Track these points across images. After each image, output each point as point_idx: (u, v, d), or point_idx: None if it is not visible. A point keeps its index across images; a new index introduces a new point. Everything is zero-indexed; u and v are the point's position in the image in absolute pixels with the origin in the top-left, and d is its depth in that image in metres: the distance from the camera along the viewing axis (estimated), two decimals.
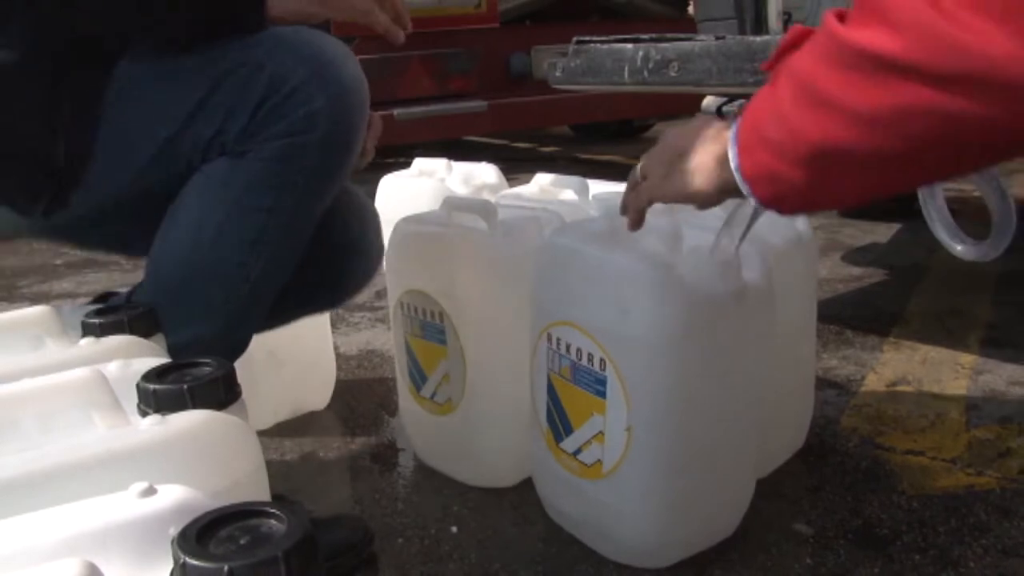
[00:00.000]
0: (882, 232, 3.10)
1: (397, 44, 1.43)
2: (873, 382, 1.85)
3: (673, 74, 1.93)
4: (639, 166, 1.05)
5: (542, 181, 1.77)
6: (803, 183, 0.79)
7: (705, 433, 1.20)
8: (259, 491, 0.74)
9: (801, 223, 1.45)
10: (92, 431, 0.74)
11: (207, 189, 1.21)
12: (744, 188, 0.85)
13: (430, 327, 1.48)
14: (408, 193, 2.05)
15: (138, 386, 0.79)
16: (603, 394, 1.19)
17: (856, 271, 2.66)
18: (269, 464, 0.84)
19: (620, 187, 1.16)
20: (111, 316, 1.01)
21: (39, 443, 0.72)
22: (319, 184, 1.23)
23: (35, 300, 2.83)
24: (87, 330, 1.00)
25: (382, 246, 1.46)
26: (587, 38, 2.17)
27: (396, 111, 4.21)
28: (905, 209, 3.14)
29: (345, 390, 1.94)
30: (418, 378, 1.55)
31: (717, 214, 1.06)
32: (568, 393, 1.26)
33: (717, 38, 1.91)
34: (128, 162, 1.20)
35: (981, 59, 0.63)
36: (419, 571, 1.30)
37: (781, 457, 1.51)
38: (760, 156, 0.81)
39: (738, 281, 1.17)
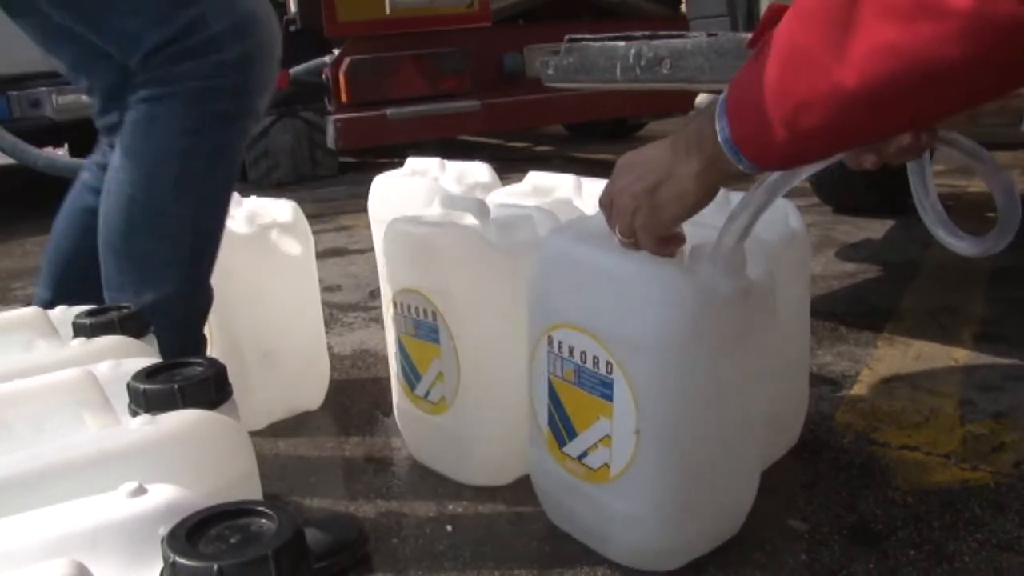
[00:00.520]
0: (876, 228, 3.11)
1: None
2: (867, 378, 1.85)
3: (665, 71, 1.93)
4: (616, 199, 1.07)
5: (535, 180, 1.77)
6: (786, 139, 0.83)
7: (714, 433, 1.19)
8: (251, 490, 0.74)
9: (795, 220, 1.45)
10: (83, 431, 0.74)
11: (131, 148, 1.31)
12: (731, 152, 0.89)
13: (424, 326, 1.48)
14: (401, 192, 2.04)
15: (128, 386, 0.78)
16: (610, 397, 1.17)
17: (850, 267, 2.67)
18: (263, 464, 0.84)
19: None
20: (101, 317, 1.01)
21: (30, 443, 0.72)
22: (233, 128, 1.33)
23: (28, 302, 2.82)
24: (78, 331, 1.00)
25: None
26: (579, 36, 2.16)
27: (389, 111, 4.21)
28: (899, 206, 3.15)
29: (339, 390, 1.93)
30: (412, 377, 1.55)
31: (713, 211, 1.06)
32: (572, 396, 1.24)
33: (709, 35, 1.91)
34: None
35: None
36: (414, 570, 1.29)
37: (775, 454, 1.51)
38: (749, 119, 0.85)
39: (743, 278, 1.14)
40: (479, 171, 2.02)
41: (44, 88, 4.44)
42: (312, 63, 4.46)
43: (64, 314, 1.07)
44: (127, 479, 0.62)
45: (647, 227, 1.04)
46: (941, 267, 2.58)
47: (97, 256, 1.37)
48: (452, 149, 4.30)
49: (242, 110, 1.33)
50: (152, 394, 0.77)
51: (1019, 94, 0.79)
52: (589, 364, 1.20)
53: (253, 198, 1.81)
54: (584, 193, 1.67)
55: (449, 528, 1.39)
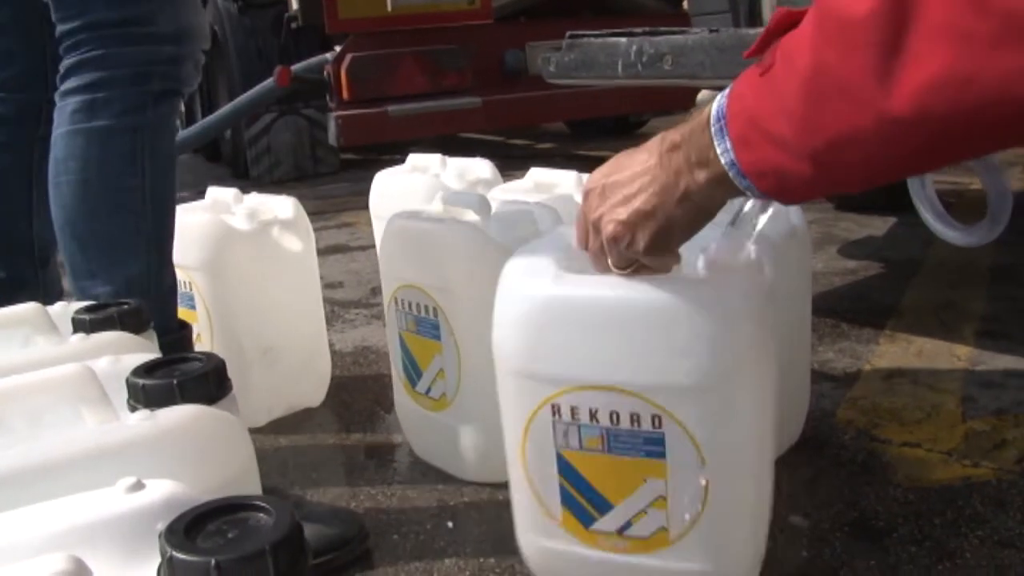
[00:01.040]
0: (877, 226, 3.10)
1: None
2: (869, 375, 1.85)
3: (667, 68, 1.92)
4: (604, 227, 0.92)
5: (537, 176, 1.77)
6: (814, 174, 0.74)
7: (765, 459, 1.09)
8: (250, 486, 0.74)
9: (795, 216, 1.45)
10: (81, 427, 0.74)
11: (77, 135, 1.37)
12: (742, 183, 0.79)
13: (424, 322, 1.48)
14: (402, 189, 2.05)
15: (127, 381, 0.78)
16: (663, 455, 0.99)
17: (852, 264, 2.66)
18: (264, 461, 0.83)
19: None
20: (101, 312, 1.00)
21: (28, 439, 0.72)
22: (171, 104, 1.41)
23: None
24: (77, 326, 0.99)
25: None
26: (581, 32, 2.16)
27: (390, 108, 4.21)
28: (900, 203, 3.14)
29: (340, 387, 1.93)
30: (413, 374, 1.55)
31: None
32: (604, 467, 1.05)
33: (710, 31, 1.90)
34: None
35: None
36: (415, 566, 1.29)
37: (778, 449, 1.50)
38: (764, 152, 0.75)
39: (764, 284, 1.03)
40: (480, 167, 2.02)
41: None
42: (313, 60, 4.46)
43: (63, 310, 1.07)
44: (125, 475, 0.62)
45: (652, 254, 0.91)
46: (943, 264, 2.57)
47: (8, 202, 1.52)
48: (453, 146, 4.29)
49: (175, 90, 1.43)
50: (151, 390, 0.76)
51: None
52: (625, 424, 1.02)
53: (254, 194, 1.81)
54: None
55: (450, 524, 1.39)
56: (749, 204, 0.97)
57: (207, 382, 0.78)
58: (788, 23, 0.74)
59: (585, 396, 1.01)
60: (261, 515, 0.56)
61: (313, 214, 1.87)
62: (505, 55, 4.58)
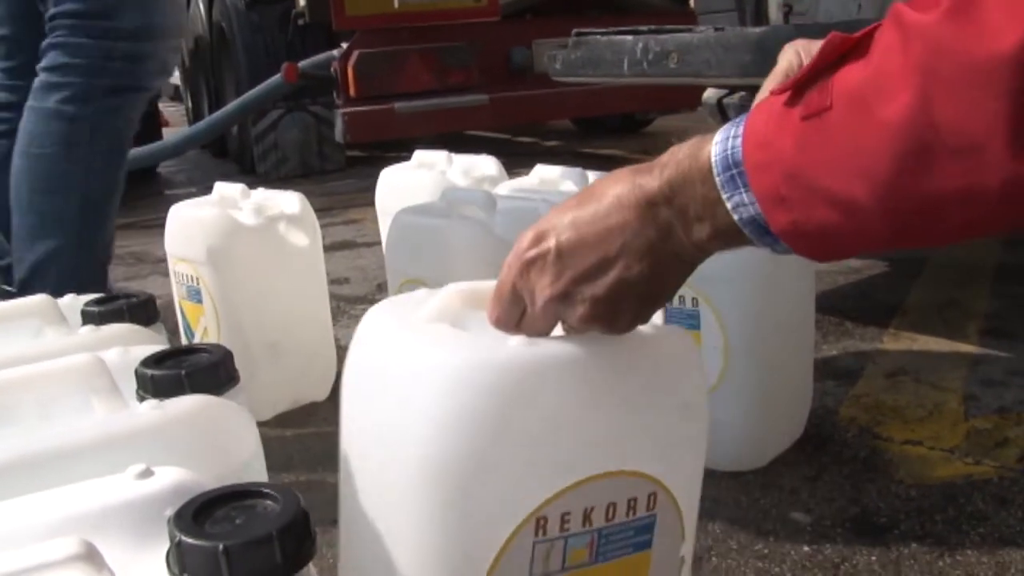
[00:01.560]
0: None
1: None
2: (872, 373, 1.85)
3: (672, 66, 1.93)
4: (577, 307, 0.69)
5: (542, 173, 1.77)
6: (890, 237, 0.60)
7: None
8: (256, 474, 0.75)
9: None
10: (91, 416, 0.75)
11: (31, 110, 1.48)
12: (763, 240, 0.64)
13: None
14: (408, 185, 2.06)
15: (136, 372, 0.79)
16: (650, 544, 0.80)
17: (856, 263, 2.67)
18: (269, 454, 0.84)
19: None
20: (110, 305, 1.02)
21: (39, 427, 0.73)
22: (117, 100, 1.50)
23: None
24: (86, 318, 1.01)
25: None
26: (587, 30, 2.17)
27: (397, 105, 4.22)
28: None
29: None
30: None
31: None
32: None
33: (716, 29, 1.91)
34: None
35: None
36: None
37: (780, 447, 1.51)
38: (813, 212, 0.60)
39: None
40: (486, 164, 2.03)
41: None
42: (320, 57, 4.47)
43: (73, 302, 1.08)
44: (134, 462, 0.63)
45: (629, 329, 0.72)
46: (946, 264, 2.58)
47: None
48: (459, 144, 4.30)
49: (132, 86, 1.51)
50: (160, 380, 0.77)
51: None
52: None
53: (260, 190, 1.82)
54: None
55: None
56: None
57: (215, 373, 0.79)
58: (844, 51, 0.59)
59: (579, 494, 0.73)
60: (268, 502, 0.57)
61: (319, 210, 1.88)
62: (511, 53, 4.59)
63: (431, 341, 0.71)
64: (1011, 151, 0.51)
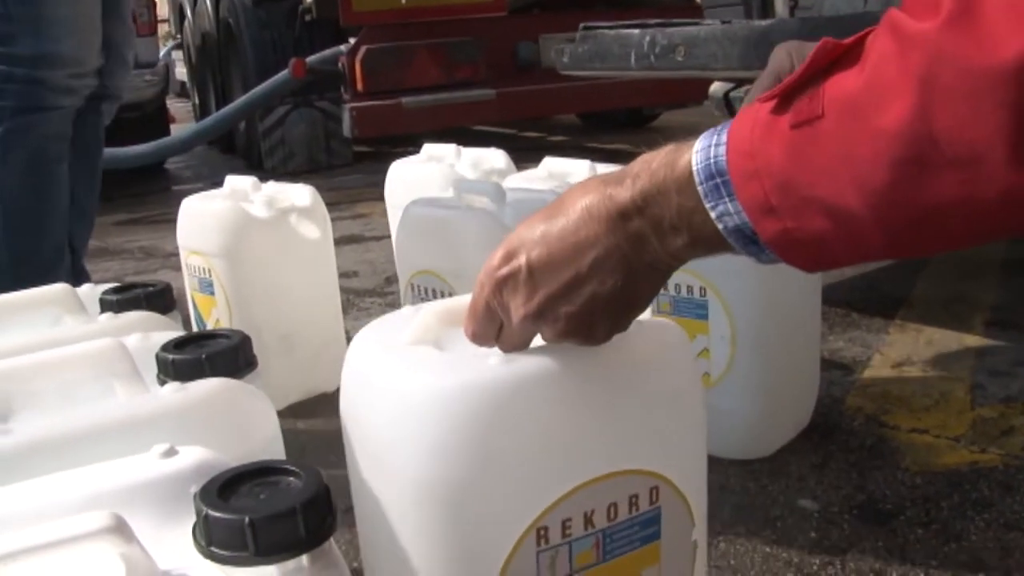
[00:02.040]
0: None
1: None
2: (879, 363, 1.87)
3: (679, 59, 1.94)
4: (550, 323, 0.69)
5: (551, 165, 1.79)
6: (885, 247, 0.59)
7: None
8: (275, 454, 0.77)
9: None
10: (114, 399, 0.77)
11: None
12: (747, 249, 0.63)
13: None
14: (417, 177, 2.07)
15: (157, 356, 0.81)
16: (658, 535, 0.82)
17: None
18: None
19: None
20: (128, 293, 1.04)
21: (64, 410, 0.75)
22: (27, 118, 1.61)
23: None
24: (105, 307, 1.03)
25: None
26: (594, 24, 2.18)
27: (404, 99, 4.23)
28: None
29: None
30: None
31: None
32: None
33: (723, 23, 1.92)
34: None
35: None
36: None
37: (787, 436, 1.53)
38: (805, 222, 0.59)
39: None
40: (495, 157, 2.05)
41: None
42: (328, 52, 4.49)
43: (91, 291, 1.10)
44: (158, 443, 0.65)
45: (605, 341, 0.72)
46: (953, 256, 2.58)
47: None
48: (466, 138, 4.31)
49: (35, 107, 1.63)
50: (180, 364, 0.79)
51: None
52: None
53: (271, 183, 1.84)
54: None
55: None
56: None
57: (234, 357, 0.81)
58: (835, 58, 0.58)
59: (577, 499, 0.74)
60: (290, 478, 0.59)
61: (327, 205, 1.90)
62: (518, 47, 4.59)
63: (414, 366, 0.73)
64: (1011, 162, 0.50)
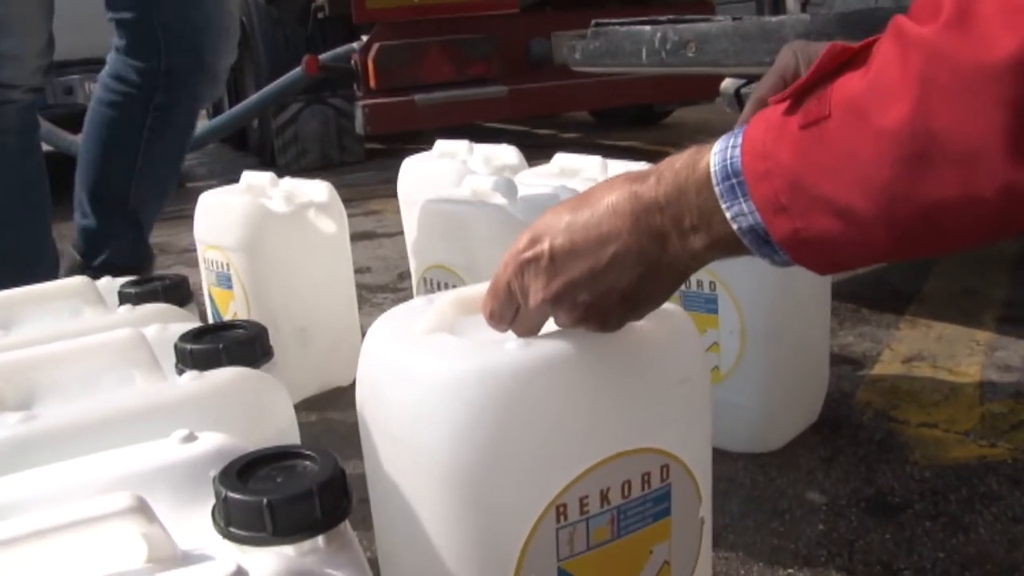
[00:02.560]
0: None
1: None
2: (888, 358, 1.87)
3: (691, 55, 1.95)
4: (566, 310, 0.73)
5: (562, 161, 1.80)
6: (889, 246, 0.60)
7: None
8: (291, 442, 0.79)
9: None
10: (133, 387, 0.79)
11: None
12: (761, 250, 0.65)
13: None
14: (430, 173, 2.08)
15: (176, 346, 0.83)
16: (668, 512, 0.87)
17: None
18: None
19: (641, 166, 0.94)
20: (146, 286, 1.06)
21: (85, 398, 0.77)
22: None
23: None
24: (123, 299, 1.05)
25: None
26: (606, 20, 2.19)
27: (417, 96, 4.25)
28: None
29: None
30: None
31: None
32: (609, 560, 0.95)
33: (734, 19, 1.93)
34: None
35: None
36: None
37: (796, 429, 1.54)
38: (813, 220, 0.61)
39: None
40: (507, 153, 2.06)
41: (77, 76, 4.57)
42: (340, 49, 4.51)
43: (109, 284, 1.12)
44: (177, 429, 0.67)
45: (625, 323, 0.75)
46: (963, 253, 2.59)
47: (117, 158, 1.95)
48: (478, 135, 4.32)
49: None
50: (198, 353, 0.81)
51: None
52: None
53: (288, 179, 1.86)
54: (611, 174, 1.70)
55: None
56: None
57: (251, 347, 0.83)
58: (843, 61, 0.60)
59: (594, 478, 0.77)
60: (307, 462, 0.60)
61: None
62: (531, 44, 4.60)
63: (434, 352, 0.75)
64: (1008, 158, 0.51)
